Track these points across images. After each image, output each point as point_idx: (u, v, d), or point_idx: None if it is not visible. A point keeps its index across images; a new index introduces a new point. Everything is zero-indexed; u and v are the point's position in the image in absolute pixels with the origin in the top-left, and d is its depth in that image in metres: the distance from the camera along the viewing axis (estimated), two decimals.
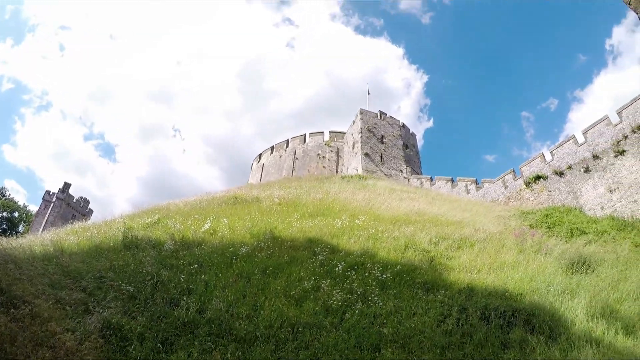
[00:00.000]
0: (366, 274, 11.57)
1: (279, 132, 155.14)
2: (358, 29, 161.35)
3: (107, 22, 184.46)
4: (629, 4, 13.84)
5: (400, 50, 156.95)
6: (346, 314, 9.22)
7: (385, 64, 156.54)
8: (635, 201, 23.26)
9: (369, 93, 58.06)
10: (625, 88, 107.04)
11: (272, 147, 57.56)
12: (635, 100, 25.67)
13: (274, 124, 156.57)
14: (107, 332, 7.39)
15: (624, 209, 23.38)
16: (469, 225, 20.16)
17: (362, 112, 48.36)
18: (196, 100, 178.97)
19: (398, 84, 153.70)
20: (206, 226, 15.78)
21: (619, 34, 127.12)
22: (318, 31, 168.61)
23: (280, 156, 54.73)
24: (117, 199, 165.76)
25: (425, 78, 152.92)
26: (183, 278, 10.10)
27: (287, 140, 56.16)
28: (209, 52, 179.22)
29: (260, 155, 60.10)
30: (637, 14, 12.10)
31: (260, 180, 52.64)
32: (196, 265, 11.17)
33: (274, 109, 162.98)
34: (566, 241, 18.08)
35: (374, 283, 10.98)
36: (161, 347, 7.27)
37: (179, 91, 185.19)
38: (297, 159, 52.17)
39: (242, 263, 11.81)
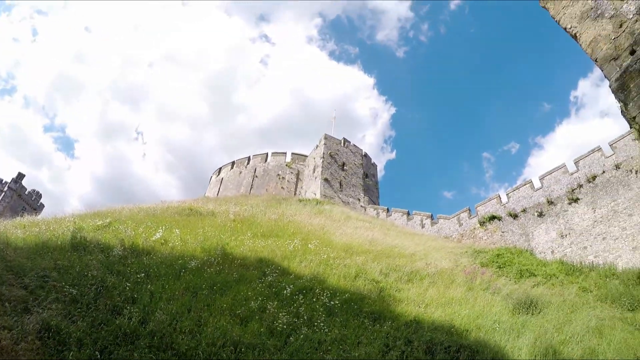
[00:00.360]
0: (314, 299, 11.61)
1: (242, 147, 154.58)
2: (333, 54, 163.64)
3: (84, 13, 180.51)
4: (544, 6, 14.59)
5: (371, 80, 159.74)
6: (291, 338, 9.21)
7: (355, 92, 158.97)
8: (585, 248, 24.36)
9: (334, 119, 58.91)
10: (584, 139, 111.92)
11: (233, 162, 57.24)
12: (592, 151, 27.21)
13: (238, 139, 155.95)
14: (45, 334, 7.11)
15: (574, 255, 24.45)
16: (421, 259, 20.53)
17: (326, 137, 48.83)
18: (163, 105, 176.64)
19: (365, 112, 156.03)
20: (157, 235, 15.52)
21: (585, 86, 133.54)
22: (293, 51, 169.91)
23: (240, 172, 54.45)
24: (71, 196, 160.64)
25: (393, 110, 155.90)
26: (129, 286, 9.88)
27: (249, 157, 56.01)
28: (182, 58, 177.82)
29: (220, 169, 59.63)
30: (551, 15, 12.77)
31: (218, 194, 52.17)
32: (143, 274, 10.94)
33: (240, 124, 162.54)
34: (515, 282, 18.62)
35: (321, 309, 11.03)
36: (99, 356, 7.07)
37: (146, 93, 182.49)
38: (256, 177, 52.02)
39: (190, 276, 11.64)
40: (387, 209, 41.62)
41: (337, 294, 12.23)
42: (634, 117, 10.94)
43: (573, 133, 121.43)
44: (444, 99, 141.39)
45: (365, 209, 44.25)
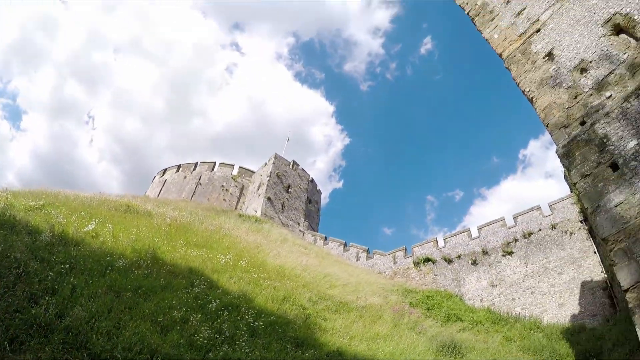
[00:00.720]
0: (239, 317, 11.54)
1: (191, 151, 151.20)
2: (298, 76, 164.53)
3: None
4: (508, 67, 15.43)
5: (331, 108, 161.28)
6: (210, 354, 9.10)
7: (314, 116, 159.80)
8: (514, 299, 25.44)
9: (288, 140, 59.11)
10: (526, 196, 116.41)
11: (179, 166, 56.17)
12: (532, 209, 28.83)
13: (190, 141, 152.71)
14: None
15: (502, 305, 25.49)
16: (352, 291, 20.76)
17: (276, 157, 48.90)
18: (120, 92, 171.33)
19: (320, 138, 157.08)
20: (90, 227, 15.02)
21: (534, 147, 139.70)
22: (260, 65, 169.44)
23: (185, 177, 53.46)
24: (8, 169, 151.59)
25: (347, 141, 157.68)
26: (51, 275, 9.50)
27: (197, 163, 55.12)
28: (149, 50, 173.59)
29: (165, 170, 58.33)
30: (512, 76, 13.51)
31: (159, 195, 50.94)
32: (68, 266, 10.55)
33: (195, 127, 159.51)
34: (442, 324, 19.13)
35: (245, 328, 10.97)
36: (8, 346, 6.77)
37: (105, 77, 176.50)
38: (200, 184, 51.19)
39: (116, 275, 11.32)
40: (325, 237, 41.83)
41: (263, 315, 12.22)
42: (575, 183, 11.66)
43: (516, 189, 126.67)
44: (399, 138, 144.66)
45: (303, 234, 44.34)
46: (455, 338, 15.89)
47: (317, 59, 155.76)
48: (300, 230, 45.26)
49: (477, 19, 20.00)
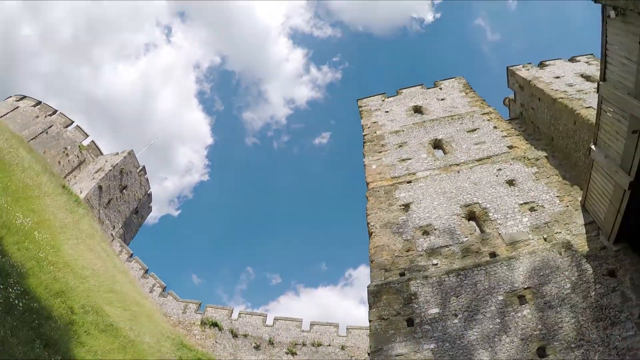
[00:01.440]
0: (2, 286, 10.18)
1: (58, 93, 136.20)
2: (201, 95, 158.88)
3: None
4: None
5: (210, 141, 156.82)
6: None
7: (190, 138, 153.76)
8: None
9: (151, 144, 56.83)
10: (335, 311, 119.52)
11: (40, 102, 47.87)
12: (330, 324, 31.16)
13: (64, 82, 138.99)
14: None
15: None
16: (129, 319, 19.36)
17: (130, 153, 46.28)
18: None
19: (183, 161, 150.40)
20: None
21: (361, 272, 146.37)
22: (175, 62, 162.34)
23: (37, 116, 45.96)
24: None
25: (206, 178, 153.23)
26: None
27: (57, 111, 47.31)
28: None
29: (24, 97, 48.63)
30: (365, 210, 14.33)
31: (1, 117, 44.65)
32: None
33: (79, 73, 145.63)
34: None
35: (1, 300, 9.65)
36: None
37: None
38: (47, 133, 45.17)
39: None
40: (132, 255, 39.02)
41: (28, 298, 10.92)
42: (371, 321, 12.38)
43: (329, 300, 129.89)
44: (255, 202, 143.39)
45: (113, 239, 41.31)
46: None
47: (225, 91, 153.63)
48: (112, 235, 42.17)
49: (368, 144, 21.63)
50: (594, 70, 24.91)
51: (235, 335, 29.96)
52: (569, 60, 28.05)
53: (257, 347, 28.93)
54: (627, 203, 11.13)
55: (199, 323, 31.21)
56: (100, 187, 41.15)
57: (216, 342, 29.71)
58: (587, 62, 27.11)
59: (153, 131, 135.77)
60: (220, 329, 30.56)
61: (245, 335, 29.90)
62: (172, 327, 30.10)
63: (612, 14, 9.47)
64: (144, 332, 20.31)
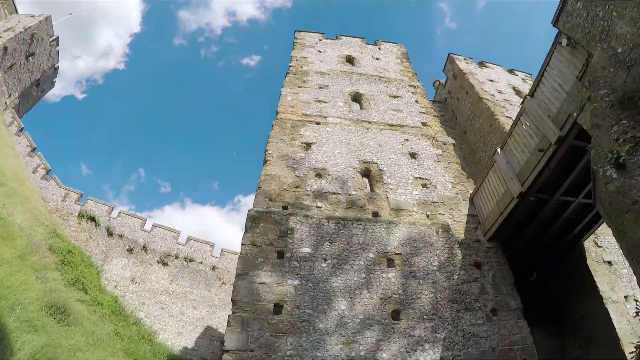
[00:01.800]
0: None
1: None
2: None
3: None
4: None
5: (137, 29, 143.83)
6: None
7: (117, 21, 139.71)
8: (143, 304, 26.28)
9: (70, 14, 51.02)
10: (215, 232, 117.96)
11: None
12: (206, 243, 31.46)
13: None
14: None
15: (131, 302, 25.22)
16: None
17: (47, 19, 40.48)
18: None
19: (102, 43, 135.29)
20: None
21: (250, 200, 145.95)
22: None
23: None
24: None
25: (122, 66, 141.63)
26: None
27: None
28: None
29: None
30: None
31: None
32: None
33: None
34: (66, 285, 17.01)
35: None
36: None
37: None
38: None
39: None
40: (22, 128, 33.72)
41: None
42: (244, 244, 12.07)
43: (213, 220, 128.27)
44: (167, 104, 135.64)
45: (6, 108, 36.51)
46: (70, 305, 14.18)
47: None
48: (5, 103, 37.88)
49: (291, 76, 20.90)
50: (526, 87, 26.46)
51: (110, 234, 28.46)
52: (508, 70, 29.65)
53: (130, 250, 27.94)
54: (511, 210, 12.36)
55: (77, 214, 29.05)
56: (5, 48, 36.57)
57: (90, 237, 27.86)
58: (523, 79, 28.80)
59: (79, 1, 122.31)
60: (97, 225, 28.67)
61: (121, 236, 28.60)
62: (49, 213, 27.92)
63: (564, 42, 10.10)
64: (18, 212, 18.63)
